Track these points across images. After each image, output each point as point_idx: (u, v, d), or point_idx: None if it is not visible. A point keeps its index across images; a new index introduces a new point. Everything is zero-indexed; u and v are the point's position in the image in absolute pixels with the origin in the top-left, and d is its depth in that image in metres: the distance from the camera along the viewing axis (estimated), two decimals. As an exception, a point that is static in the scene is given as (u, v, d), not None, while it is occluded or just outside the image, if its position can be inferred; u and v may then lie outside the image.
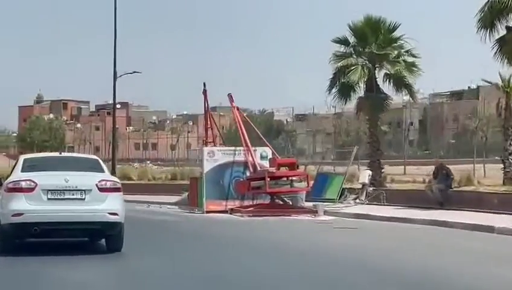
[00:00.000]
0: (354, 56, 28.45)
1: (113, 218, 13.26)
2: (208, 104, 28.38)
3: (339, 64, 28.29)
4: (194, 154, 50.67)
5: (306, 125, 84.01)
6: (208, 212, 24.66)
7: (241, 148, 26.09)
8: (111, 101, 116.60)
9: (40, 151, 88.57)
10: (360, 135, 46.31)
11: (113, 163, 31.69)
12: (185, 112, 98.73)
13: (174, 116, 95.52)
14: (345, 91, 28.57)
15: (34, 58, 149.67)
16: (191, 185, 26.99)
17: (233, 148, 26.61)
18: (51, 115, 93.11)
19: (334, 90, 28.76)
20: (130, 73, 38.50)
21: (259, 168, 24.82)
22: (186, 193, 27.11)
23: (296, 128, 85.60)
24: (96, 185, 13.23)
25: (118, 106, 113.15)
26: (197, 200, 25.62)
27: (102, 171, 13.99)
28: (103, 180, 13.45)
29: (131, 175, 35.77)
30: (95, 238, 14.42)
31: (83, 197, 13.12)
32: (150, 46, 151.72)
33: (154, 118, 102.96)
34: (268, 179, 23.69)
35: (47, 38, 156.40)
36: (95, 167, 14.08)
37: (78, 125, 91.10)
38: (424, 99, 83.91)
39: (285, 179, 24.56)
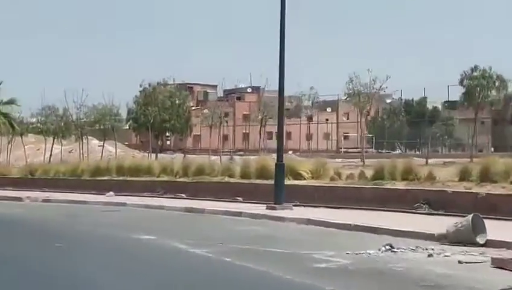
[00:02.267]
0: None
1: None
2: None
3: None
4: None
5: (459, 113, 74.21)
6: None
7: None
8: (241, 85, 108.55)
9: (158, 135, 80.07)
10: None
11: (278, 155, 22.71)
12: (321, 99, 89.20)
13: (308, 104, 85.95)
14: None
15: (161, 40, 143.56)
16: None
17: None
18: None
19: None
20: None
21: None
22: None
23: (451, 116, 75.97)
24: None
25: (249, 90, 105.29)
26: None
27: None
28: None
29: (301, 170, 26.79)
30: None
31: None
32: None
33: (288, 104, 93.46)
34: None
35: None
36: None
37: (205, 110, 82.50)
38: None
39: None
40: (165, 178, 33.07)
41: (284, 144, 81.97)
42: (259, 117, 70.17)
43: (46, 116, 56.77)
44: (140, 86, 68.23)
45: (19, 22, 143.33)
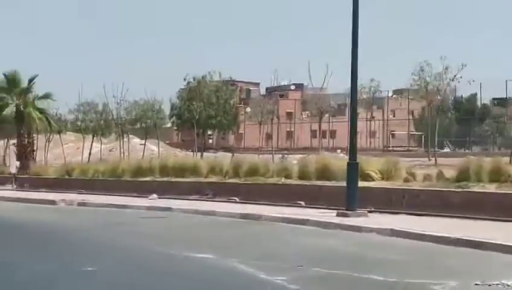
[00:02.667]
0: None
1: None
2: None
3: None
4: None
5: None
6: None
7: None
8: (284, 83, 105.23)
9: (201, 133, 76.60)
10: None
11: (351, 153, 19.40)
12: (364, 96, 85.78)
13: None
14: None
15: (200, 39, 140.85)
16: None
17: None
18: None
19: None
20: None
21: None
22: None
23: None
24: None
25: (292, 87, 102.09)
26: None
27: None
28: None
29: (369, 170, 23.57)
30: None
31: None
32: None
33: (332, 102, 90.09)
34: None
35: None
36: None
37: (248, 109, 79.37)
38: None
39: None
40: (213, 179, 29.91)
41: (330, 142, 78.76)
42: (303, 116, 66.80)
43: (85, 113, 53.84)
44: (185, 79, 64.98)
45: (55, 15, 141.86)
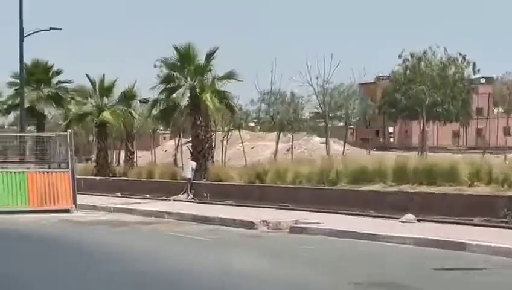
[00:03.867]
0: None
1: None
2: None
3: None
4: None
5: None
6: None
7: None
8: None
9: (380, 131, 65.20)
10: None
11: None
12: None
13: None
14: None
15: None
16: None
17: None
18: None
19: None
20: None
21: None
22: None
23: None
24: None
25: (482, 80, 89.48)
26: None
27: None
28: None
29: None
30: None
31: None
32: None
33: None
34: None
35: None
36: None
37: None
38: None
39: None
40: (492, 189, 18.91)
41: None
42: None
43: (271, 104, 43.98)
44: (400, 56, 53.14)
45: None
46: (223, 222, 18.85)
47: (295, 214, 19.68)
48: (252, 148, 67.58)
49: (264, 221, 18.19)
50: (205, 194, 26.37)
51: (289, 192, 24.50)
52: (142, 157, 55.89)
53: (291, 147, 48.94)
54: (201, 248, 14.52)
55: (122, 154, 68.35)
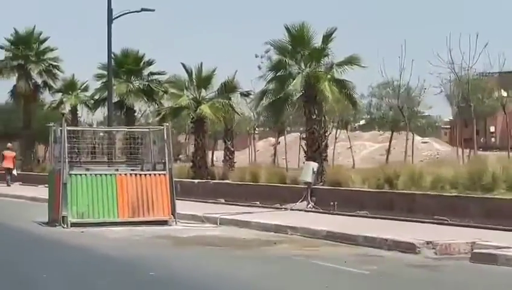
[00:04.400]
0: None
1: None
2: None
3: None
4: None
5: None
6: None
7: None
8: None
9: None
10: None
11: None
12: None
13: None
14: None
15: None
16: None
17: None
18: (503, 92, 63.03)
19: None
20: None
21: None
22: None
23: None
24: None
25: None
26: None
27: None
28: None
29: None
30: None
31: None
32: None
33: None
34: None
35: None
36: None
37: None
38: None
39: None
40: None
41: None
42: None
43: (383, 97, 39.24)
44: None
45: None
46: (370, 242, 14.17)
47: (462, 232, 14.88)
48: (348, 148, 62.73)
49: (428, 243, 13.46)
50: (332, 203, 21.73)
51: (443, 201, 19.58)
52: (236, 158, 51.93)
53: (389, 147, 44.43)
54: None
55: (216, 154, 64.61)
